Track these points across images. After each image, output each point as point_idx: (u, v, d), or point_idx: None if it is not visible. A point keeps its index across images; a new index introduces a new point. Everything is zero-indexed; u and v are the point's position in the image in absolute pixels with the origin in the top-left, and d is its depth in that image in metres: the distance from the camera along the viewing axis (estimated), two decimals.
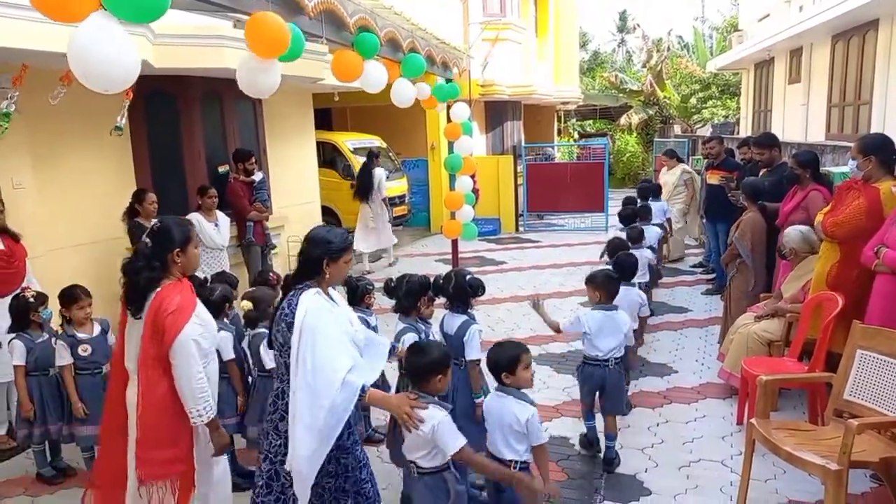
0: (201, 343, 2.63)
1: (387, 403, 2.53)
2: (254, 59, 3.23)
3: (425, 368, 2.52)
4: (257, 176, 6.64)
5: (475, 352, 3.32)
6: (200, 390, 2.59)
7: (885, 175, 3.96)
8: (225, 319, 3.73)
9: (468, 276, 3.46)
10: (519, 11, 14.69)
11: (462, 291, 3.41)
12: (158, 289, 2.59)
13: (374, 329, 3.64)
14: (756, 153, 6.15)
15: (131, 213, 5.37)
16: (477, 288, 3.44)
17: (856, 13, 8.31)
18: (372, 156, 9.15)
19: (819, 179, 5.02)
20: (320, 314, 2.46)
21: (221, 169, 6.53)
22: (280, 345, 2.55)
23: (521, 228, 12.79)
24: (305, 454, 2.41)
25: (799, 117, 11.46)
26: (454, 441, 2.41)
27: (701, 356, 5.66)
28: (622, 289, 4.08)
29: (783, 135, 11.96)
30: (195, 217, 5.66)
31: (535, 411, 2.65)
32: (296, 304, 2.48)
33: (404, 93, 5.27)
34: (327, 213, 10.18)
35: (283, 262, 7.80)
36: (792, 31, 10.38)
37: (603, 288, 3.87)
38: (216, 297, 3.74)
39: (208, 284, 3.95)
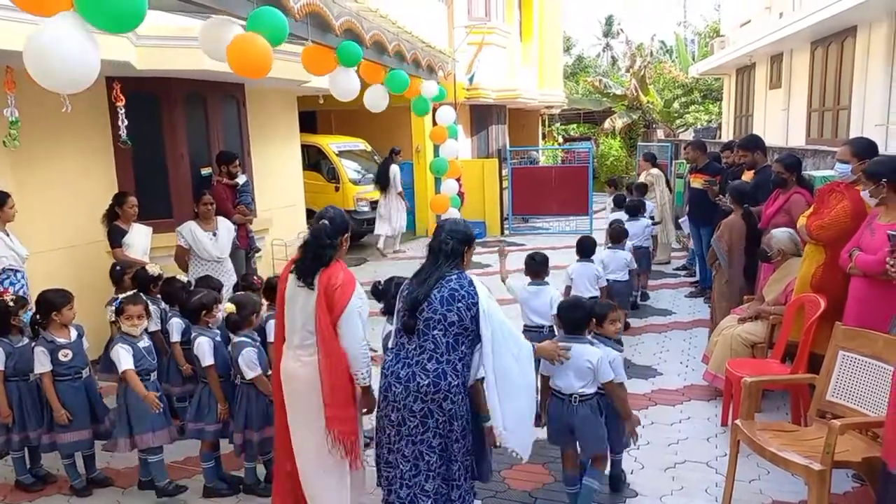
0: (362, 314, 2.98)
1: (544, 351, 3.12)
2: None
3: (584, 318, 3.24)
4: (241, 178, 6.58)
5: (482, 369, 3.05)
6: (364, 356, 2.94)
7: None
8: (209, 324, 3.69)
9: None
10: (504, 16, 14.76)
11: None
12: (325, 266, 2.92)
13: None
14: (740, 155, 6.21)
15: (111, 216, 5.27)
16: None
17: (834, 20, 8.44)
18: (392, 153, 10.45)
19: (802, 183, 5.08)
20: (491, 297, 2.87)
21: (204, 171, 6.47)
22: (449, 324, 2.76)
23: (506, 231, 12.81)
24: (529, 413, 2.91)
25: (780, 122, 11.62)
26: (608, 374, 3.12)
27: (685, 358, 5.70)
28: (578, 264, 5.02)
29: (765, 139, 12.11)
30: (189, 226, 5.46)
31: (616, 355, 3.27)
32: (472, 288, 2.80)
33: (376, 97, 5.27)
34: (312, 215, 10.11)
35: (267, 264, 7.74)
36: (772, 37, 10.52)
37: (529, 269, 4.42)
38: (193, 303, 3.71)
39: (192, 289, 3.92)
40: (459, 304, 2.76)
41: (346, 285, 2.89)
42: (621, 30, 28.72)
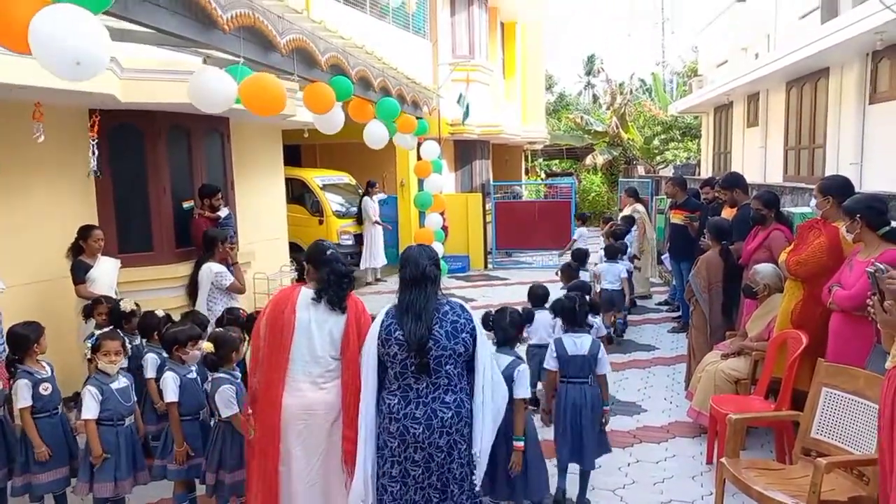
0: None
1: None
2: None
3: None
4: (223, 212, 6.53)
5: (524, 390, 3.25)
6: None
7: (843, 216, 4.08)
8: (183, 360, 3.60)
9: (515, 313, 3.61)
10: (487, 54, 15.02)
11: (511, 329, 3.52)
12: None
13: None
14: (721, 193, 6.30)
15: (76, 251, 5.14)
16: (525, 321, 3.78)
17: (807, 62, 8.70)
18: (368, 186, 10.87)
19: (781, 219, 5.15)
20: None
21: (186, 204, 6.42)
22: (458, 355, 2.74)
23: (489, 265, 12.83)
24: (490, 440, 2.83)
25: (757, 159, 11.85)
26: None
27: (669, 394, 5.68)
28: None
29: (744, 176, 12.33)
30: (217, 267, 5.40)
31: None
32: (467, 313, 2.80)
33: (377, 134, 5.30)
34: (295, 249, 10.06)
35: (249, 299, 7.64)
36: (748, 77, 10.80)
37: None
38: (167, 335, 3.65)
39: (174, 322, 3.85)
40: (464, 335, 2.75)
41: (366, 311, 3.05)
42: (602, 68, 29.31)
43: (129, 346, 3.84)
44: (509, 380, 3.19)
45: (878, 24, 6.24)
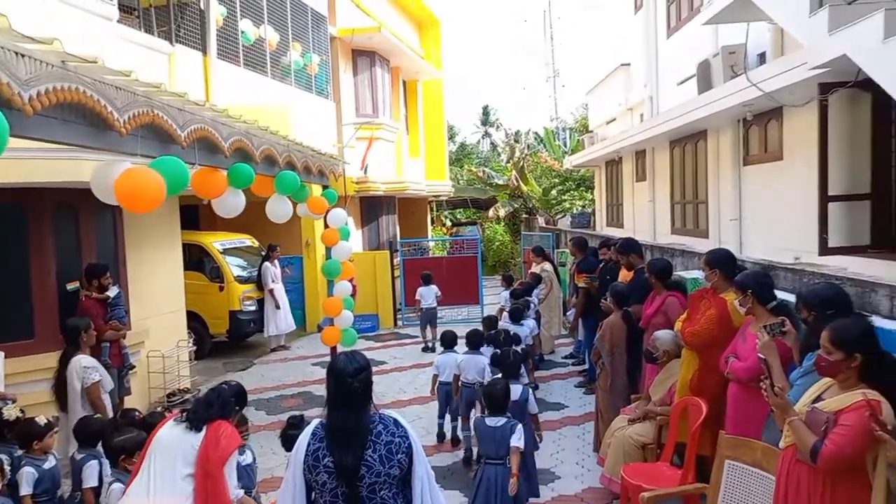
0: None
1: None
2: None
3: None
4: (112, 291, 6.15)
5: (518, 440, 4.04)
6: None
7: (730, 286, 4.39)
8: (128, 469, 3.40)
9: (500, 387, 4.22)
10: (391, 112, 15.25)
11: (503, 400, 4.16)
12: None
13: None
14: (617, 257, 6.63)
15: None
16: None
17: (687, 126, 9.42)
18: (269, 249, 10.57)
19: (673, 285, 5.46)
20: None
21: (70, 286, 5.98)
22: (393, 478, 2.48)
23: (399, 323, 12.75)
24: None
25: (647, 212, 12.59)
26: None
27: (580, 457, 5.79)
28: (466, 355, 5.78)
29: (634, 228, 13.07)
30: (87, 360, 5.01)
31: None
32: (402, 429, 2.53)
33: (281, 210, 5.19)
34: (194, 318, 9.57)
35: (142, 382, 7.15)
36: (635, 138, 11.55)
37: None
38: (115, 445, 3.58)
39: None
40: (400, 456, 2.48)
41: (234, 436, 3.03)
42: (500, 125, 30.63)
43: (6, 465, 3.50)
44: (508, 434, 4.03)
45: (748, 98, 6.87)
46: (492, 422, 4.10)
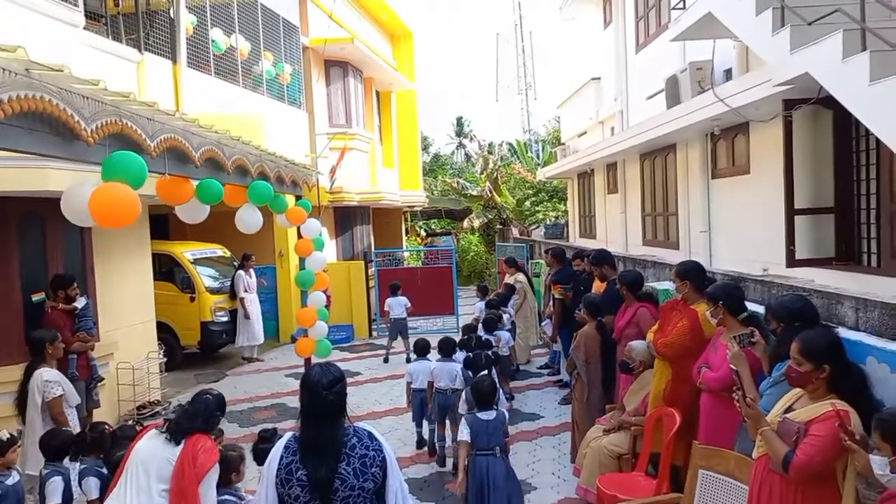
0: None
1: None
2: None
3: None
4: (80, 302, 6.01)
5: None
6: None
7: (700, 297, 4.46)
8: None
9: (487, 383, 4.41)
10: (364, 122, 15.23)
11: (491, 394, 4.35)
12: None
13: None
14: (591, 268, 6.70)
15: None
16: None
17: (657, 140, 9.59)
18: (243, 258, 10.54)
19: (644, 297, 5.53)
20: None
21: (35, 297, 5.83)
22: (367, 492, 2.45)
23: (374, 333, 12.69)
24: None
25: (619, 223, 12.76)
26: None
27: (557, 468, 5.80)
28: (439, 362, 5.95)
29: (607, 238, 13.22)
30: (50, 373, 4.87)
31: None
32: (376, 442, 2.52)
33: (251, 219, 5.14)
34: (164, 329, 9.40)
35: (112, 394, 6.99)
36: (606, 151, 11.71)
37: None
38: (116, 458, 3.47)
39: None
40: (374, 469, 2.47)
41: (212, 451, 2.94)
42: (474, 135, 30.81)
43: None
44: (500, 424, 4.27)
45: (715, 113, 7.02)
46: (484, 416, 4.28)
